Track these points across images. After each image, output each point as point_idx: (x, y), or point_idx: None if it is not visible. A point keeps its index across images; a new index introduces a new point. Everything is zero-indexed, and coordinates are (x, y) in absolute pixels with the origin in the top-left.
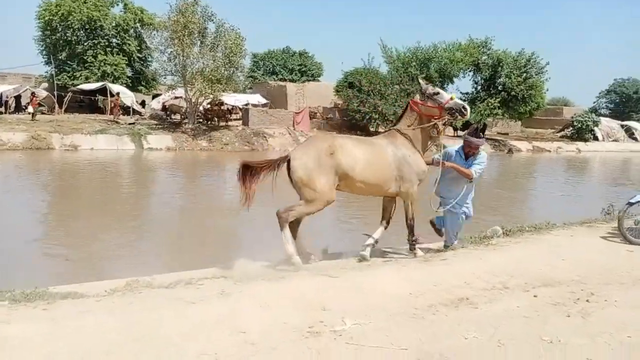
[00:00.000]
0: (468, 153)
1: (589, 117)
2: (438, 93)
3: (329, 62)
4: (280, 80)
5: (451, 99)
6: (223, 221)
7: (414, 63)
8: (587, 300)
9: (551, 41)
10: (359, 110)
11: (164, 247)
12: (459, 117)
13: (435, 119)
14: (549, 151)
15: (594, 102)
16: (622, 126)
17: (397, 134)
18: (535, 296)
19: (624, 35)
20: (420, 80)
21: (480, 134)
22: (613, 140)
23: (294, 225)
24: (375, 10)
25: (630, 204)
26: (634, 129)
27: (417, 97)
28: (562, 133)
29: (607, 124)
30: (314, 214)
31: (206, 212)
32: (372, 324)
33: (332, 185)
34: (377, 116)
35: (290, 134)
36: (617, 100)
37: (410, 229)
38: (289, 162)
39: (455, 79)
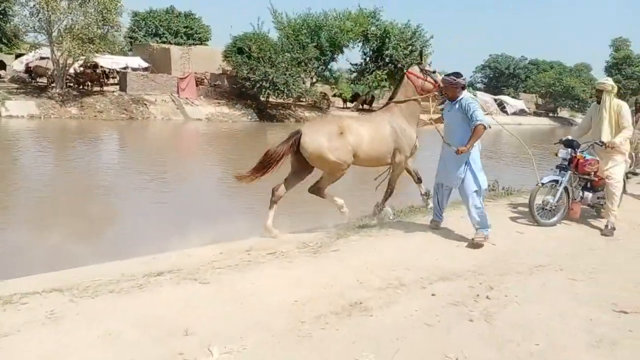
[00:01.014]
0: (451, 97)
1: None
2: (434, 72)
3: (217, 25)
4: (164, 43)
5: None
6: (87, 206)
7: (305, 30)
8: (488, 297)
9: (435, 17)
10: (248, 77)
11: None
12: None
13: (427, 94)
14: (430, 123)
15: (471, 77)
16: (495, 100)
17: (394, 108)
18: (433, 295)
19: (499, 13)
20: (423, 57)
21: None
22: (487, 114)
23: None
24: None
25: (542, 184)
26: (505, 102)
27: (416, 70)
28: (442, 105)
29: (482, 98)
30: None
31: (65, 194)
32: (247, 350)
33: (347, 158)
34: (267, 85)
35: (174, 101)
36: (491, 75)
37: (386, 197)
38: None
39: (345, 49)
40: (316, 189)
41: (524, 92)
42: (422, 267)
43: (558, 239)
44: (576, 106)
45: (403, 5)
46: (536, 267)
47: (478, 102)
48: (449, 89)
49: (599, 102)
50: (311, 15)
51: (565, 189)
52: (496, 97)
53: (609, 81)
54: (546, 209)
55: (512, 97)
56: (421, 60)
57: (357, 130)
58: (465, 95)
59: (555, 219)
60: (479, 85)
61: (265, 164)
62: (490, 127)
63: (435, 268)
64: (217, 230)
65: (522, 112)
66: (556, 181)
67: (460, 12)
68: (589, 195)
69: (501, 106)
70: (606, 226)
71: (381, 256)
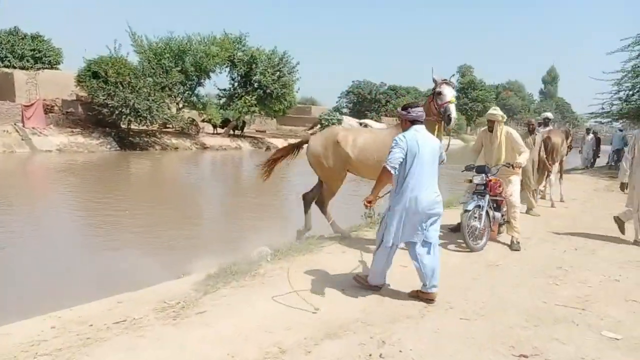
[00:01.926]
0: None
1: (333, 116)
2: (440, 93)
3: (70, 48)
4: (6, 67)
5: (449, 102)
6: None
7: (168, 54)
8: (381, 356)
9: (298, 45)
10: (106, 104)
11: None
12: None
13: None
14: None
15: (337, 102)
16: (360, 123)
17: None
18: None
19: (361, 41)
20: (434, 77)
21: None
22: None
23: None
24: None
25: (467, 211)
26: (369, 126)
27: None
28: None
29: (348, 122)
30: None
31: None
32: None
33: (339, 167)
34: (128, 111)
35: (17, 131)
36: (355, 100)
37: None
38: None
39: (212, 74)
40: (319, 203)
41: (385, 115)
42: (306, 322)
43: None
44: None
45: (268, 32)
46: (426, 308)
47: (403, 140)
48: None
49: (490, 131)
50: (174, 39)
51: (487, 212)
52: (361, 120)
53: (498, 111)
54: (475, 234)
55: (375, 120)
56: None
57: (353, 141)
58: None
59: (482, 242)
60: (344, 110)
61: (274, 159)
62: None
63: (320, 322)
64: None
65: None
66: (479, 206)
67: (324, 40)
68: (497, 215)
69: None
70: (512, 242)
71: (257, 314)
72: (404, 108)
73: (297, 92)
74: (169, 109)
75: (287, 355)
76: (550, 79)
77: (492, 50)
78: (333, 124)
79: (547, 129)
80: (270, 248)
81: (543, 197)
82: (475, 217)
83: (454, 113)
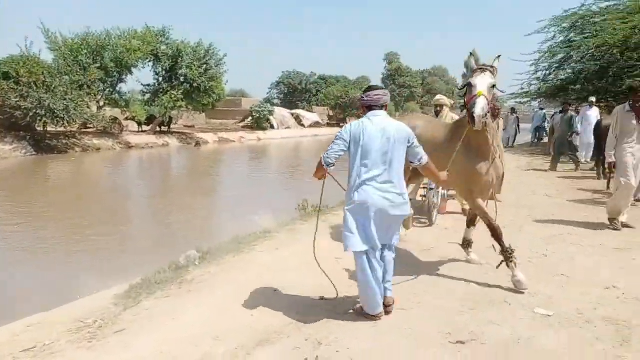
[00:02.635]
0: None
1: (265, 107)
2: (470, 85)
3: None
4: None
5: (476, 95)
6: None
7: (85, 51)
8: (317, 359)
9: (225, 36)
10: (19, 106)
11: None
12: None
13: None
14: (234, 141)
15: (267, 93)
16: (292, 114)
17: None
18: None
19: (290, 32)
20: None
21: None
22: (286, 128)
23: None
24: None
25: (432, 189)
26: (301, 116)
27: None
28: (244, 123)
29: (280, 113)
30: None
31: None
32: None
33: None
34: (43, 112)
35: None
36: (286, 91)
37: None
38: None
39: (134, 69)
40: None
41: (317, 105)
42: (237, 329)
43: None
44: (362, 115)
45: (193, 24)
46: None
47: (347, 130)
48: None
49: (437, 115)
50: (91, 34)
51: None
52: (293, 111)
53: (445, 98)
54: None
55: (307, 110)
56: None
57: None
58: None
59: (436, 215)
60: (276, 101)
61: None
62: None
63: (251, 329)
64: None
65: (317, 124)
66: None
67: (251, 31)
68: (446, 192)
69: (298, 120)
70: (464, 210)
71: (182, 326)
72: (364, 92)
73: (225, 84)
74: (88, 108)
75: None
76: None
77: (417, 36)
78: (264, 115)
79: (463, 113)
80: (199, 251)
81: None
82: (435, 195)
83: (477, 110)
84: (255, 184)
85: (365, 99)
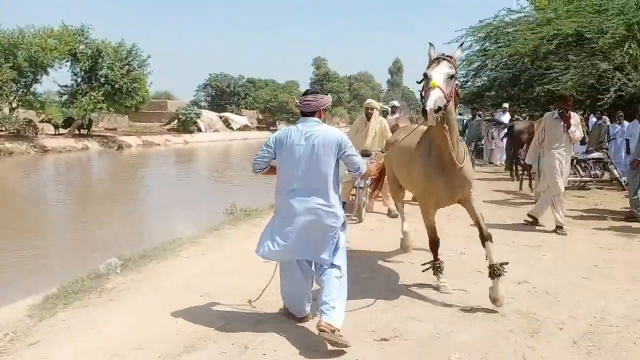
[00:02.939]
0: None
1: (191, 110)
2: (426, 76)
3: None
4: None
5: (430, 88)
6: None
7: None
8: None
9: (150, 37)
10: None
11: None
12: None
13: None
14: (159, 144)
15: (194, 96)
16: (220, 117)
17: None
18: None
19: (218, 34)
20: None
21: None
22: (214, 131)
23: None
24: None
25: (361, 188)
26: (230, 119)
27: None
28: (169, 126)
29: (208, 116)
30: None
31: None
32: None
33: None
34: None
35: None
36: (214, 94)
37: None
38: None
39: (50, 70)
40: None
41: (246, 108)
42: (161, 337)
43: None
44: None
45: (115, 24)
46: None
47: (273, 136)
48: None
49: (368, 119)
50: (2, 32)
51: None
52: (221, 114)
53: (375, 102)
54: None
55: (236, 113)
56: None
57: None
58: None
59: (364, 214)
60: (203, 104)
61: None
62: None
63: (176, 336)
64: None
65: (246, 127)
66: (365, 184)
67: (177, 31)
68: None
69: (226, 123)
70: (390, 211)
71: (102, 336)
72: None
73: (150, 86)
74: (0, 110)
75: None
76: (396, 70)
77: (344, 43)
78: (191, 118)
79: (395, 116)
80: (120, 258)
81: None
82: (364, 194)
83: (429, 102)
84: (182, 188)
85: (298, 104)
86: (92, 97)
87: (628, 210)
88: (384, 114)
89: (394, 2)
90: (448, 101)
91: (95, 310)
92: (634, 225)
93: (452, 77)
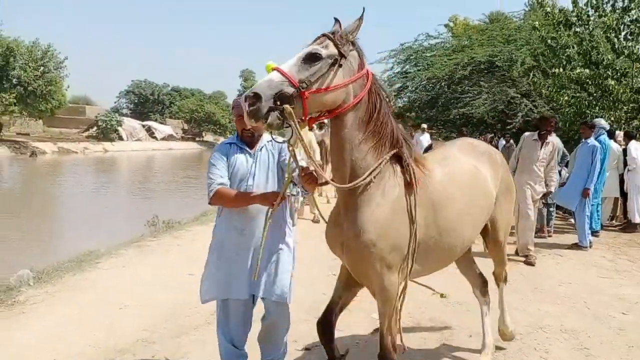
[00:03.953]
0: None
1: (112, 117)
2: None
3: None
4: None
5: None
6: None
7: None
8: None
9: (67, 38)
10: None
11: None
12: None
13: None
14: (76, 152)
15: (115, 102)
16: (143, 126)
17: None
18: None
19: (143, 38)
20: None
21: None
22: (137, 140)
23: None
24: None
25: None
26: (154, 128)
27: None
28: (88, 133)
29: (130, 124)
30: None
31: None
32: None
33: None
34: None
35: None
36: (137, 101)
37: None
38: None
39: None
40: None
41: (170, 117)
42: (77, 351)
43: None
44: (218, 130)
45: (30, 23)
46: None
47: (217, 150)
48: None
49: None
50: None
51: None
52: (144, 122)
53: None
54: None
55: (160, 122)
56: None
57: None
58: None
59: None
60: (125, 111)
61: None
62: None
63: (94, 349)
64: None
65: (170, 137)
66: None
67: (99, 33)
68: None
69: (150, 132)
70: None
71: (11, 352)
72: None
73: (66, 90)
74: None
75: None
76: None
77: (272, 55)
78: (112, 125)
79: (322, 132)
80: (33, 271)
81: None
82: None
83: (249, 92)
84: (101, 199)
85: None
86: (3, 99)
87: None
88: (320, 126)
89: (324, 15)
90: (297, 89)
91: (6, 323)
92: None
93: (318, 59)
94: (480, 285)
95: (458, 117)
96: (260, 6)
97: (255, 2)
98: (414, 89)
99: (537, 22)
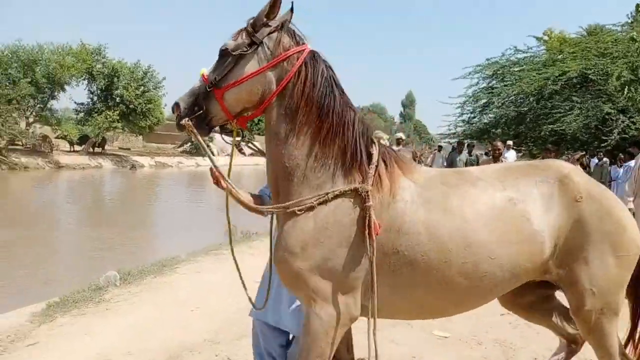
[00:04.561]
0: None
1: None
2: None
3: None
4: None
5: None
6: None
7: (15, 64)
8: None
9: (165, 59)
10: None
11: None
12: None
13: None
14: (171, 166)
15: None
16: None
17: None
18: None
19: None
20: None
21: None
22: (227, 155)
23: None
24: None
25: None
26: (243, 145)
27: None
28: (182, 148)
29: (221, 140)
30: None
31: None
32: None
33: None
34: None
35: None
36: None
37: None
38: None
39: (67, 87)
40: None
41: (259, 134)
42: (150, 346)
43: None
44: None
45: (131, 45)
46: None
47: None
48: None
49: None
50: (23, 47)
51: None
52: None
53: (380, 132)
54: None
55: (249, 139)
56: None
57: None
58: None
59: None
60: (216, 128)
61: None
62: None
63: (163, 347)
64: None
65: (258, 154)
66: None
67: (192, 54)
68: None
69: (240, 148)
70: None
71: (95, 342)
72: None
73: (164, 107)
74: (16, 124)
75: None
76: (409, 103)
77: (355, 75)
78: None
79: (398, 148)
80: (120, 272)
81: None
82: None
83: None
84: (190, 209)
85: None
86: (108, 116)
87: None
88: (398, 142)
89: (406, 34)
90: (207, 86)
91: (92, 318)
92: None
93: (227, 53)
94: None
95: (548, 133)
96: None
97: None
98: (500, 104)
99: (634, 33)
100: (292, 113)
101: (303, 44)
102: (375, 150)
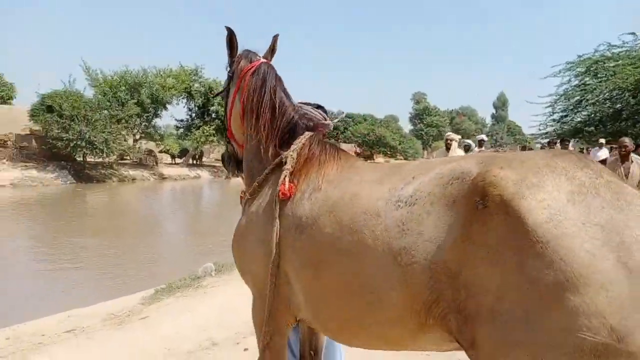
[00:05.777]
0: None
1: None
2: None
3: (23, 83)
4: None
5: None
6: None
7: (124, 87)
8: None
9: None
10: (61, 137)
11: None
12: None
13: None
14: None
15: None
16: None
17: None
18: (246, 349)
19: (323, 71)
20: None
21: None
22: None
23: None
24: (72, 27)
25: None
26: None
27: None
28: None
29: None
30: None
31: None
32: None
33: None
34: (84, 144)
35: None
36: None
37: None
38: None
39: (169, 105)
40: None
41: (344, 142)
42: (238, 321)
43: None
44: (388, 152)
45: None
46: None
47: None
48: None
49: (447, 149)
50: (129, 72)
51: None
52: None
53: (453, 134)
54: None
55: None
56: None
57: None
58: None
59: None
60: None
61: None
62: None
63: (247, 323)
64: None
65: None
66: None
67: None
68: None
69: None
70: None
71: (194, 317)
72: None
73: None
74: (125, 140)
75: (218, 346)
76: (501, 104)
77: (445, 77)
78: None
79: (480, 149)
80: (215, 264)
81: None
82: None
83: None
84: None
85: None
86: (205, 131)
87: None
88: (466, 148)
89: (495, 37)
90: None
91: (192, 299)
92: None
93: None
94: None
95: None
96: (424, 30)
97: (424, 26)
98: (593, 101)
99: None
100: (247, 116)
101: (257, 60)
102: (301, 140)
